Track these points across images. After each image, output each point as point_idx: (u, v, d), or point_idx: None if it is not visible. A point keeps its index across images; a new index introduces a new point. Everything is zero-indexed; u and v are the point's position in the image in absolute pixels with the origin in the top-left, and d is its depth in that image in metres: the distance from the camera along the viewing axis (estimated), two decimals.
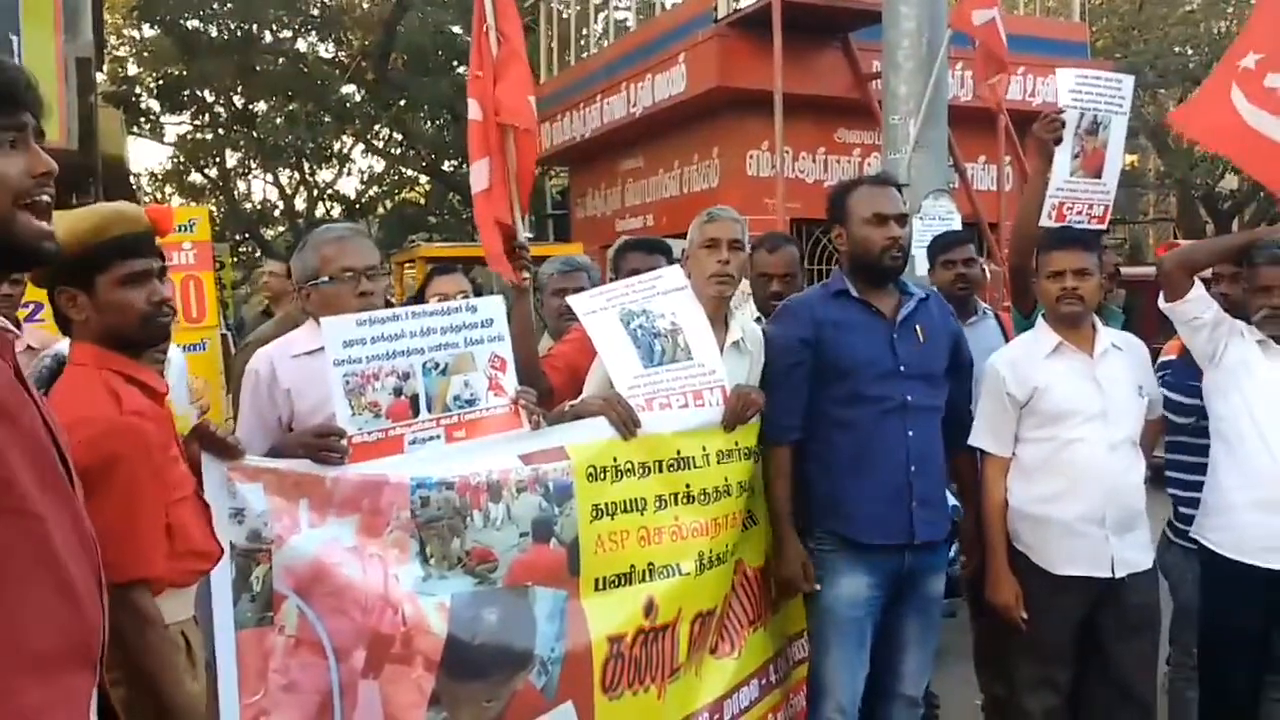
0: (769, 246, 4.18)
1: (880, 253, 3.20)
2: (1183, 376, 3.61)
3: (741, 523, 3.18)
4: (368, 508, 2.53)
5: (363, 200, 24.99)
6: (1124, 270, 6.01)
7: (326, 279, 2.81)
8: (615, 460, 2.88)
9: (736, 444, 3.10)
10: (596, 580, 2.81)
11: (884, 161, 6.88)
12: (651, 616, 2.88)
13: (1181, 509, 3.71)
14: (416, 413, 2.68)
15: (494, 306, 2.88)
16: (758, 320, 4.37)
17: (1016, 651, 3.47)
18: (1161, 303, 3.35)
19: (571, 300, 3.17)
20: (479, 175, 3.34)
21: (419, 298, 3.94)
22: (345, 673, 2.46)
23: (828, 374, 3.21)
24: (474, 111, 3.36)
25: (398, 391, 2.65)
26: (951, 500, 3.57)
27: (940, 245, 4.55)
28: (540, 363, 3.35)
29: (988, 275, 6.49)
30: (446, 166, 22.23)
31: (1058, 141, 3.78)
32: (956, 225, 6.29)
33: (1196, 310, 3.29)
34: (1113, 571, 3.27)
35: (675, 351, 3.08)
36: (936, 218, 6.48)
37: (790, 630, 3.40)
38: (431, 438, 2.71)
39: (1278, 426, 3.19)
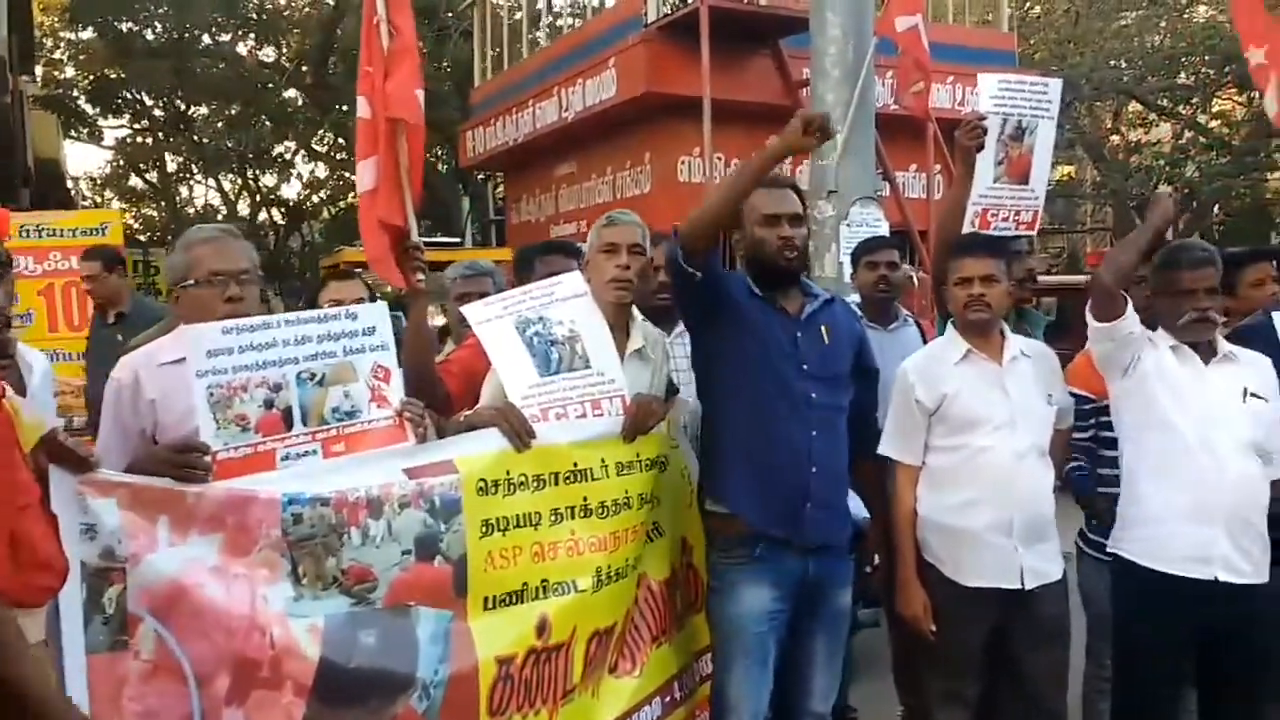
0: None
1: (774, 253, 3.12)
2: None
3: (644, 536, 3.09)
4: (234, 525, 2.40)
5: (306, 205, 24.70)
6: (1061, 278, 6.04)
7: (193, 282, 2.67)
8: (508, 473, 2.78)
9: (638, 455, 3.01)
10: (485, 599, 2.70)
11: (812, 168, 6.86)
12: (544, 636, 2.78)
13: (1094, 520, 3.68)
14: (290, 426, 2.56)
15: (376, 313, 2.77)
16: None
17: (926, 664, 3.42)
18: (1092, 321, 3.27)
19: (464, 309, 3.06)
20: (365, 175, 3.22)
21: (312, 305, 3.79)
22: (207, 700, 2.33)
23: (733, 363, 3.12)
24: (362, 109, 3.25)
25: (269, 404, 2.53)
26: (861, 511, 3.49)
27: (864, 248, 4.54)
28: (437, 369, 3.24)
29: (915, 282, 6.49)
30: None
31: (980, 148, 3.73)
32: (884, 232, 6.28)
33: (1130, 326, 3.23)
34: (1022, 583, 3.23)
35: (573, 360, 2.99)
36: (865, 225, 6.47)
37: (697, 645, 3.31)
38: (307, 453, 2.58)
39: (1202, 434, 3.15)
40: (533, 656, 2.74)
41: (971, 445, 3.25)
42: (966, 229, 3.76)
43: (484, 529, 2.71)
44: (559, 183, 13.56)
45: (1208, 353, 3.25)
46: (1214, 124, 21.58)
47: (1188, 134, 20.95)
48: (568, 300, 3.06)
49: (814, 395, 3.11)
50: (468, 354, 3.29)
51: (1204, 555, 3.12)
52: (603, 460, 2.93)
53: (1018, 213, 3.84)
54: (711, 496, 3.17)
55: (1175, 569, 3.15)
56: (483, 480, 2.72)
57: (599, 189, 12.20)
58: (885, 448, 3.40)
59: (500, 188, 19.30)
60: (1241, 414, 3.19)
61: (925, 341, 4.15)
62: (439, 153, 22.59)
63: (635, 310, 3.22)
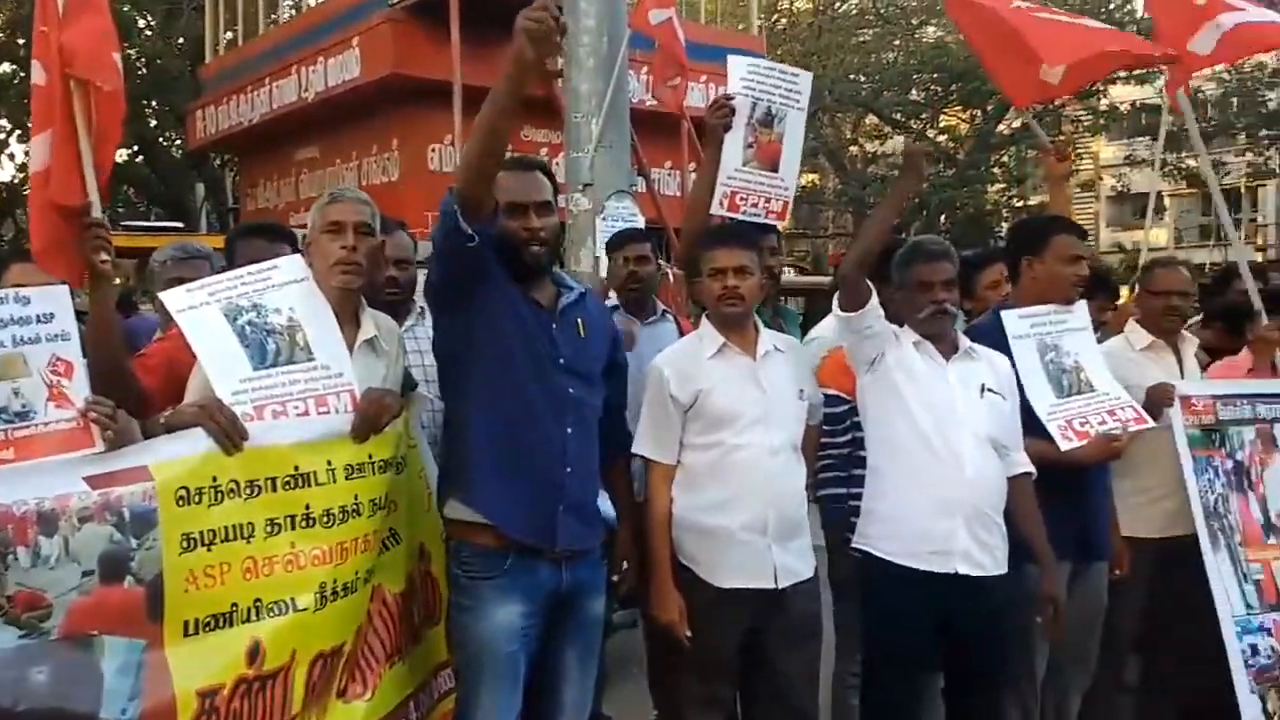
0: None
1: (521, 244, 2.91)
2: None
3: (379, 545, 2.81)
4: None
5: (25, 190, 22.50)
6: (806, 279, 6.14)
7: None
8: (215, 480, 2.46)
9: (370, 456, 2.73)
10: (186, 623, 2.39)
11: (567, 159, 6.73)
12: (257, 663, 2.48)
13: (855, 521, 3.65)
14: None
15: (54, 299, 2.41)
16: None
17: (681, 669, 3.30)
18: (837, 311, 3.26)
19: (162, 294, 2.69)
20: (38, 153, 2.77)
21: None
22: None
23: (483, 359, 2.90)
24: (37, 75, 2.78)
25: None
26: (611, 512, 3.33)
27: (616, 241, 4.46)
28: (132, 363, 2.84)
29: (671, 278, 6.45)
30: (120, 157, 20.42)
31: (728, 128, 3.66)
32: (640, 226, 6.21)
33: (871, 320, 3.22)
34: (776, 582, 3.16)
35: (293, 351, 2.68)
36: (620, 219, 6.39)
37: (435, 660, 3.08)
38: None
39: (942, 429, 3.19)
40: (243, 686, 2.45)
41: (726, 442, 3.16)
42: (715, 210, 3.69)
43: (185, 544, 2.39)
44: (300, 168, 12.89)
45: (949, 349, 3.29)
46: (941, 138, 23.09)
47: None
48: (286, 285, 2.75)
49: (571, 391, 2.94)
50: (169, 345, 2.91)
51: (944, 549, 3.16)
52: (329, 463, 2.64)
53: (768, 200, 3.79)
54: (456, 501, 2.92)
55: (917, 563, 3.17)
56: (184, 489, 2.41)
57: (343, 175, 11.67)
58: (640, 446, 3.26)
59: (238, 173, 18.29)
60: (979, 410, 3.24)
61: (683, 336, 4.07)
62: (172, 137, 21.22)
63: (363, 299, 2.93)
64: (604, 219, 6.34)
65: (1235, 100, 21.39)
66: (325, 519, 2.62)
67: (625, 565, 3.26)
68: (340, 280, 2.77)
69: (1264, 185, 28.33)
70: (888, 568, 3.22)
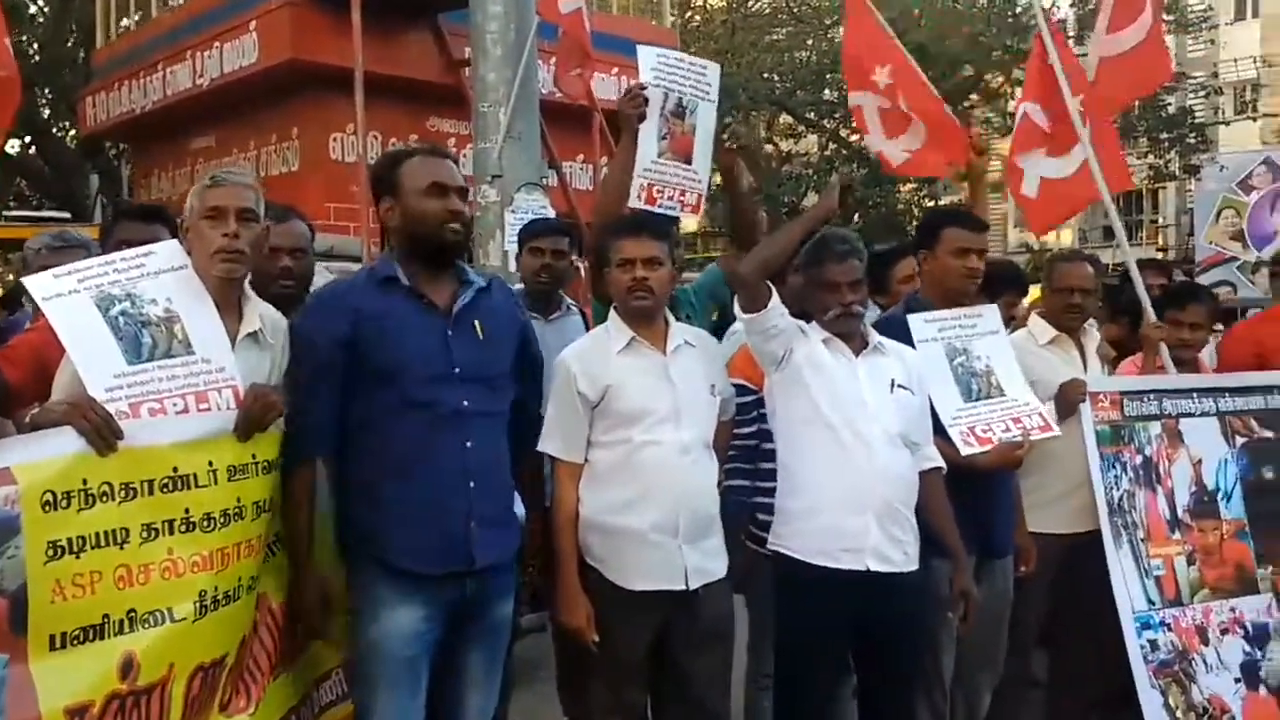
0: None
1: (440, 226, 2.80)
2: None
3: (263, 550, 2.66)
4: None
5: None
6: None
7: None
8: (85, 483, 2.29)
9: (254, 456, 2.58)
10: (52, 637, 2.23)
11: (475, 151, 6.61)
12: (131, 677, 2.32)
13: (760, 515, 3.58)
14: None
15: None
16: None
17: (589, 674, 3.23)
18: (739, 313, 3.19)
19: (27, 280, 2.52)
20: None
21: None
22: None
23: (368, 377, 2.77)
24: None
25: None
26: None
27: (530, 232, 4.32)
28: None
29: (583, 274, 6.36)
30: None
31: (641, 118, 3.58)
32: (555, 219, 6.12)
33: (775, 319, 3.16)
34: (687, 583, 3.08)
35: (171, 344, 2.51)
36: (529, 211, 6.30)
37: (318, 671, 2.95)
38: None
39: (853, 425, 3.14)
40: (115, 702, 2.30)
41: (635, 440, 3.07)
42: (633, 203, 3.60)
43: (51, 552, 2.23)
44: (195, 157, 12.49)
45: (858, 345, 3.25)
46: (854, 138, 23.35)
47: (832, 146, 22.51)
48: (163, 274, 2.57)
49: (467, 404, 2.81)
50: (36, 337, 2.73)
51: (856, 546, 3.12)
52: (210, 463, 2.48)
53: (682, 192, 3.74)
54: (354, 532, 2.81)
55: (830, 561, 3.13)
56: (50, 492, 2.24)
57: (241, 165, 11.28)
58: (545, 444, 3.15)
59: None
60: (889, 405, 3.21)
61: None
62: (65, 126, 20.48)
63: (249, 289, 2.77)
64: (513, 212, 6.25)
65: (1137, 105, 22.00)
66: (206, 523, 2.47)
67: (534, 567, 3.17)
68: (221, 269, 2.61)
69: (1164, 187, 29.19)
70: (800, 567, 3.17)
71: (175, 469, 2.43)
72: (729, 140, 20.57)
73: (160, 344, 2.49)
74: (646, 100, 3.58)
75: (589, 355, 3.16)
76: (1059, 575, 3.80)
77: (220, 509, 2.49)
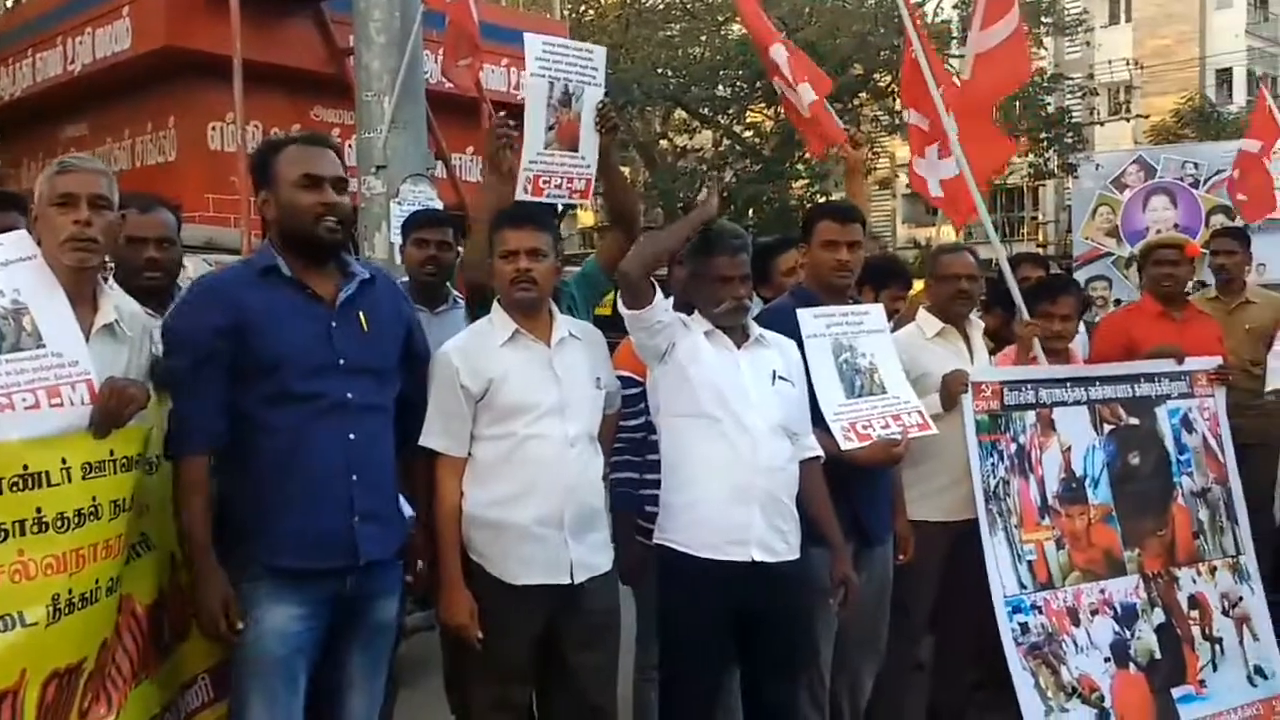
0: None
1: (314, 221, 2.71)
2: None
3: (124, 551, 2.55)
4: None
5: None
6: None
7: None
8: None
9: (111, 453, 2.47)
10: None
11: (359, 141, 6.46)
12: None
13: (648, 508, 3.56)
14: None
15: None
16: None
17: (473, 671, 3.17)
18: (623, 309, 3.16)
19: None
20: None
21: None
22: None
23: (250, 369, 2.68)
24: None
25: None
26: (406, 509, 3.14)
27: (414, 223, 4.25)
28: None
29: None
30: None
31: (511, 148, 3.53)
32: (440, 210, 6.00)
33: (659, 315, 3.15)
34: (572, 577, 3.05)
35: (20, 337, 2.40)
36: (416, 202, 6.18)
37: (183, 677, 2.84)
38: None
39: (736, 417, 3.15)
40: None
41: (519, 433, 3.02)
42: (520, 195, 3.56)
43: None
44: (67, 146, 11.96)
45: (740, 337, 3.26)
46: (748, 134, 23.58)
47: (726, 142, 22.69)
48: (11, 264, 2.46)
49: (350, 396, 2.74)
50: None
51: (741, 537, 3.13)
52: (64, 460, 2.37)
53: (570, 179, 3.69)
54: (230, 529, 2.71)
55: (715, 553, 3.13)
56: None
57: (115, 154, 10.93)
58: (428, 439, 3.08)
59: None
60: (771, 397, 3.23)
61: None
62: None
63: (110, 280, 2.65)
64: (399, 203, 6.13)
65: (1018, 104, 22.63)
66: (59, 523, 2.35)
67: (421, 565, 3.09)
68: (72, 259, 2.49)
69: (1044, 185, 30.15)
70: (685, 560, 3.16)
71: (25, 467, 2.31)
72: (624, 136, 20.60)
73: (8, 337, 2.38)
74: (506, 136, 3.55)
75: (472, 348, 3.10)
76: (945, 562, 3.87)
77: (74, 508, 2.38)
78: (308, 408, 2.69)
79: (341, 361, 2.74)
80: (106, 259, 2.91)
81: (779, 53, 4.73)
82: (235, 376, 2.67)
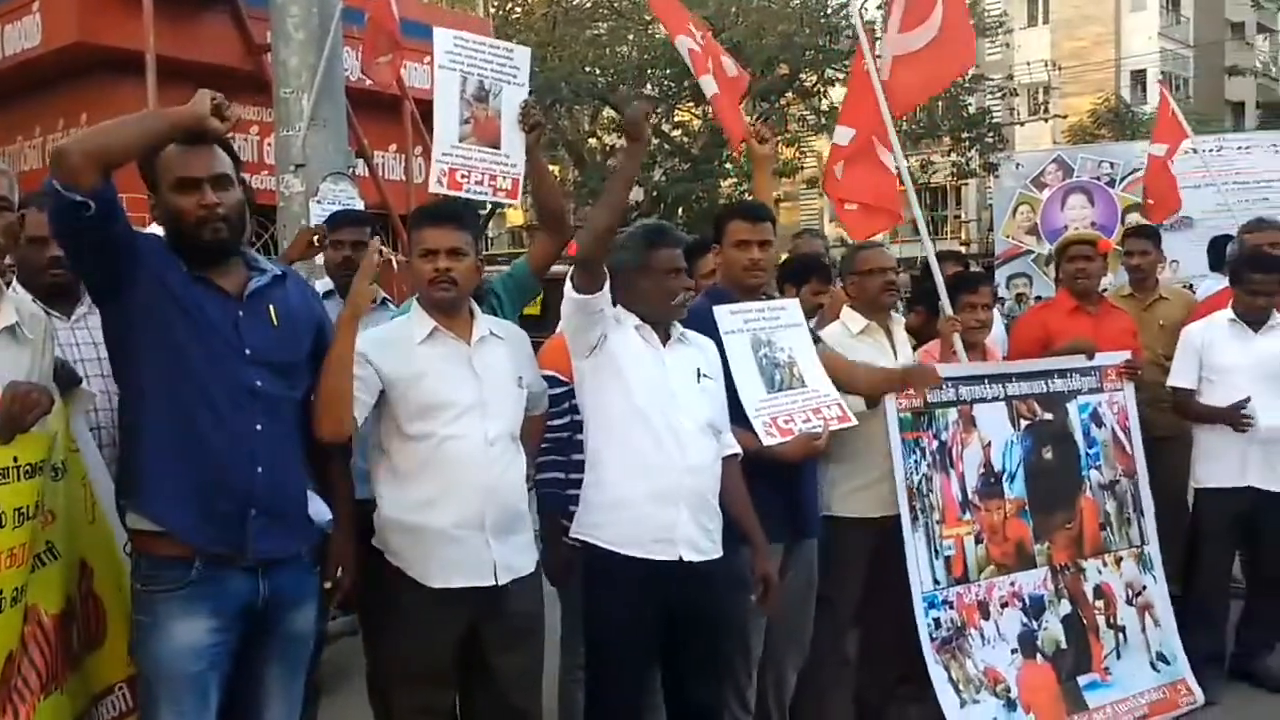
0: None
1: (196, 225, 2.62)
2: None
3: (29, 560, 2.47)
4: None
5: None
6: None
7: None
8: None
9: (15, 460, 2.40)
10: None
11: (277, 138, 6.32)
12: None
13: (573, 508, 3.54)
14: None
15: None
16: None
17: (394, 675, 3.15)
18: (571, 293, 3.12)
19: None
20: None
21: None
22: None
23: (155, 351, 2.60)
24: None
25: None
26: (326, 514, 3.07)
27: (330, 225, 4.22)
28: None
29: (395, 266, 6.18)
30: None
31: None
32: (358, 209, 5.90)
33: (604, 301, 3.12)
34: (495, 579, 3.01)
35: None
36: (336, 201, 6.05)
37: (97, 687, 2.77)
38: None
39: (664, 415, 3.14)
40: None
41: (438, 433, 2.98)
42: (435, 187, 3.51)
43: None
44: None
45: (664, 335, 3.25)
46: (676, 133, 23.61)
47: (654, 141, 22.70)
48: None
49: (259, 384, 2.67)
50: None
51: (668, 537, 3.12)
52: None
53: (494, 178, 3.65)
54: (132, 509, 2.62)
55: (642, 552, 3.12)
56: None
57: (25, 153, 10.52)
58: None
59: None
60: (697, 395, 3.23)
61: None
62: None
63: (5, 282, 2.56)
64: (319, 202, 5.99)
65: (940, 104, 22.97)
66: None
67: (341, 571, 3.01)
68: None
69: (966, 184, 30.66)
70: (611, 558, 3.15)
71: None
72: (553, 134, 20.53)
73: None
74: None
75: (388, 345, 3.05)
76: (871, 557, 3.91)
77: None
78: (213, 396, 2.61)
79: (248, 352, 2.67)
80: (7, 260, 2.82)
81: (683, 43, 4.70)
82: (138, 356, 2.60)
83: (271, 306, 2.75)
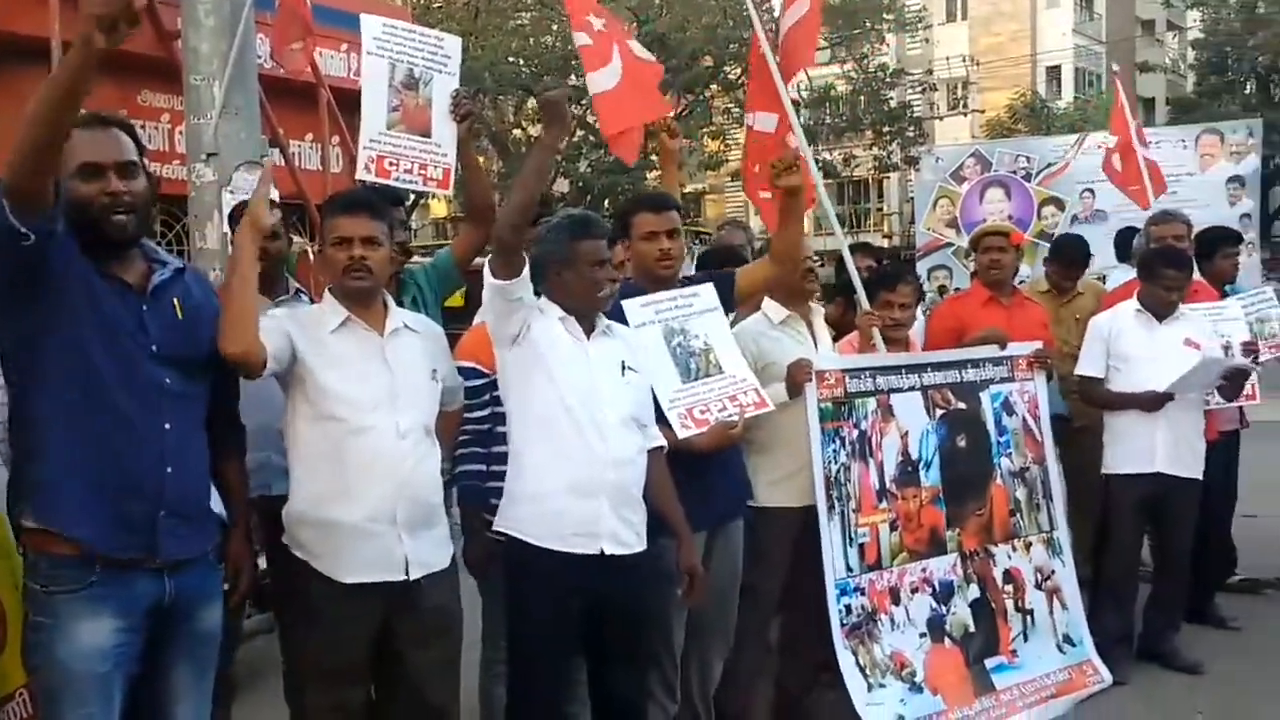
0: None
1: (100, 214, 2.54)
2: None
3: None
4: None
5: None
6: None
7: None
8: None
9: None
10: None
11: (188, 127, 6.15)
12: None
13: (494, 501, 3.51)
14: None
15: None
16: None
17: (307, 673, 3.11)
18: (490, 279, 3.09)
19: None
20: None
21: None
22: None
23: (57, 349, 2.52)
24: None
25: None
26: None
27: (241, 212, 4.05)
28: None
29: (311, 256, 6.07)
30: None
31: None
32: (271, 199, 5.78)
33: (524, 289, 3.09)
34: (407, 573, 2.97)
35: None
36: (249, 191, 5.87)
37: (2, 691, 2.74)
38: None
39: (587, 408, 3.12)
40: None
41: (349, 423, 2.93)
42: (362, 175, 3.45)
43: None
44: None
45: (589, 327, 3.23)
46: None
47: (580, 132, 22.64)
48: None
49: (168, 381, 2.61)
50: None
51: (591, 530, 3.11)
52: None
53: (423, 166, 3.61)
54: (30, 512, 2.54)
55: (563, 545, 3.10)
56: None
57: None
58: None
59: None
60: (621, 388, 3.22)
61: None
62: None
63: None
64: (231, 192, 5.83)
65: (863, 98, 23.27)
66: None
67: (239, 573, 2.95)
68: None
69: (889, 177, 31.11)
70: (532, 551, 3.13)
71: None
72: (477, 125, 20.36)
73: None
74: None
75: (301, 325, 3.01)
76: (794, 546, 3.93)
77: None
78: (121, 394, 2.54)
79: (155, 348, 2.61)
80: None
81: (580, 38, 4.61)
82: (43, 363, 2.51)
83: (176, 300, 2.68)
